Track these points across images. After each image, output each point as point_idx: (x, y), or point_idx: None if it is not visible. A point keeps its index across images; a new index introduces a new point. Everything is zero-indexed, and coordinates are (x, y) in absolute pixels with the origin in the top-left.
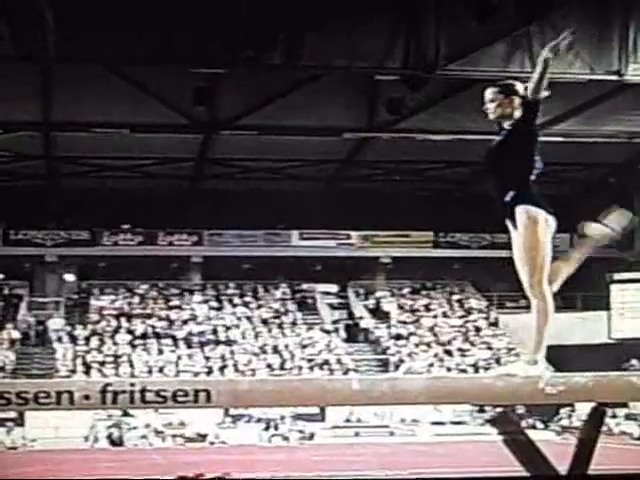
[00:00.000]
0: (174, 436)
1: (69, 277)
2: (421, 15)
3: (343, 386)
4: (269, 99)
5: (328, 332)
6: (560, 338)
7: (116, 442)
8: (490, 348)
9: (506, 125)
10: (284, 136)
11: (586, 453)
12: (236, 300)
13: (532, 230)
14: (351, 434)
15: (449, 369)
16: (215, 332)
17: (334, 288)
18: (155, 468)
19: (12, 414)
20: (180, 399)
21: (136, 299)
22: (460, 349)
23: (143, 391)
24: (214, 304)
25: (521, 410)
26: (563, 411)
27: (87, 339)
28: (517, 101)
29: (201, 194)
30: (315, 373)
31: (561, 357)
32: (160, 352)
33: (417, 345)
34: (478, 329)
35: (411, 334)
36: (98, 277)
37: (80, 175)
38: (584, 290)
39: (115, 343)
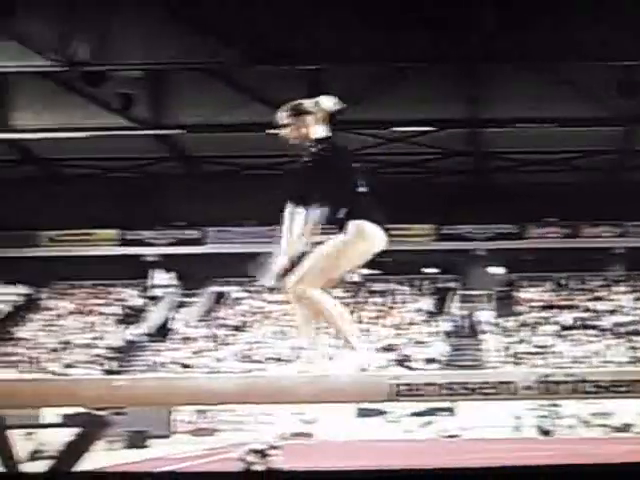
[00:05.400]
0: (601, 425)
1: (497, 270)
2: None
3: None
4: None
5: None
6: None
7: (545, 432)
8: None
9: (310, 147)
10: None
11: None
12: None
13: (354, 241)
14: None
15: None
16: None
17: None
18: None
19: (444, 404)
20: (616, 389)
21: (562, 291)
22: None
23: (582, 382)
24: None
25: None
26: None
27: (514, 330)
28: (309, 119)
29: (623, 185)
30: None
31: None
32: (585, 342)
33: None
34: None
35: None
36: (525, 269)
37: (505, 170)
38: None
39: (541, 334)
